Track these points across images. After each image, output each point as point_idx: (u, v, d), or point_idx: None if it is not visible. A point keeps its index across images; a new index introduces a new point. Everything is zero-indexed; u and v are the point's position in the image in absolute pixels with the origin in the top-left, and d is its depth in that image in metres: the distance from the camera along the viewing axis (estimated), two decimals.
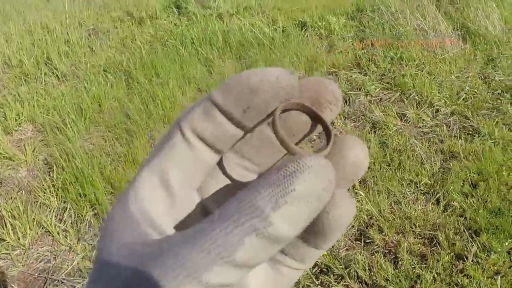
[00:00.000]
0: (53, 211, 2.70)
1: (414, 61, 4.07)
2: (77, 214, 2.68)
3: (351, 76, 3.95)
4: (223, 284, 0.20)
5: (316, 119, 0.26)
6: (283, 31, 4.98)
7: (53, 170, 2.99)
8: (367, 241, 2.38)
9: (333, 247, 2.35)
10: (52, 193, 2.83)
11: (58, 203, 2.77)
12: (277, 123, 0.24)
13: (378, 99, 3.62)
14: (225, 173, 0.28)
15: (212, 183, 0.28)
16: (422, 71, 3.93)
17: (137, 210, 0.24)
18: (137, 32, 5.32)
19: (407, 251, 2.28)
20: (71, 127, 3.42)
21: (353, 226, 2.47)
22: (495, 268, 2.22)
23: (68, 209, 2.70)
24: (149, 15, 5.78)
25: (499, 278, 2.16)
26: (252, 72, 0.24)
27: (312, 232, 0.25)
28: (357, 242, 2.40)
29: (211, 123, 0.25)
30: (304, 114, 0.27)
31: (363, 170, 0.26)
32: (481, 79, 3.94)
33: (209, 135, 0.25)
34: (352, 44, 4.56)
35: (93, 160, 3.03)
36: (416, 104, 3.51)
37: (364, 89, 3.66)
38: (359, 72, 4.02)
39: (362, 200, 2.60)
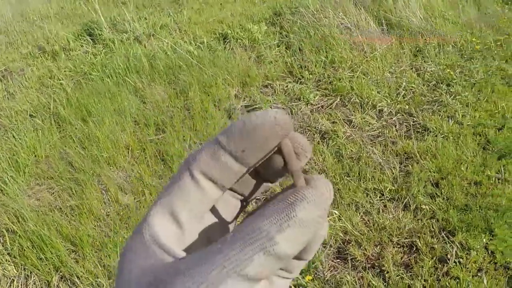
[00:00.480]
0: (15, 282, 2.69)
1: (346, 62, 4.50)
2: (42, 281, 2.69)
3: (287, 86, 4.29)
4: None
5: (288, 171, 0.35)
6: (207, 47, 5.20)
7: (5, 237, 2.96)
8: (349, 258, 2.64)
9: (316, 269, 2.59)
10: (9, 261, 2.81)
11: (18, 272, 2.76)
12: (291, 157, 0.34)
13: (319, 107, 3.96)
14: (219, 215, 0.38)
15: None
16: (357, 72, 4.36)
17: (151, 239, 0.32)
18: (54, 67, 5.27)
19: (391, 263, 2.61)
20: (11, 185, 3.37)
21: (331, 246, 2.72)
22: (477, 265, 2.60)
23: (31, 277, 2.71)
24: (62, 47, 5.76)
25: (483, 275, 2.57)
26: (253, 115, 0.33)
27: None
28: (339, 260, 2.66)
29: (217, 163, 0.33)
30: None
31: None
32: (414, 71, 4.53)
33: (216, 174, 0.34)
34: (280, 52, 4.94)
35: (46, 219, 3.03)
36: (359, 108, 3.92)
37: (303, 98, 3.99)
38: (294, 81, 4.36)
39: (334, 216, 2.90)
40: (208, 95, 4.30)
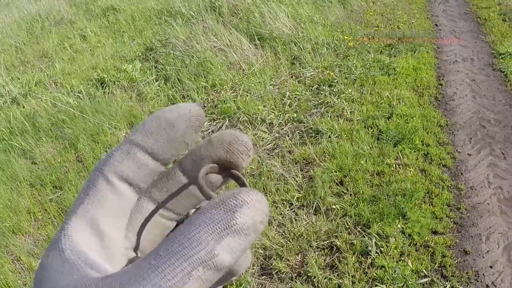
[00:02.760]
0: None
1: (227, 83, 4.73)
2: None
3: None
4: None
5: (229, 174, 0.37)
6: (87, 95, 5.21)
7: None
8: (273, 272, 2.79)
9: None
10: None
11: None
12: (202, 183, 0.34)
13: (210, 132, 4.14)
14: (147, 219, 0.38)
15: (137, 217, 0.37)
16: (239, 90, 4.60)
17: (73, 254, 0.30)
18: None
19: (316, 267, 2.79)
20: None
21: (253, 264, 2.85)
22: (398, 250, 2.86)
23: None
24: None
25: (406, 258, 2.83)
26: (167, 109, 0.35)
27: None
28: (265, 277, 2.80)
29: (132, 162, 0.34)
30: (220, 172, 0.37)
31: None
32: (295, 79, 4.88)
33: (131, 173, 0.34)
34: (159, 86, 5.09)
35: None
36: (249, 125, 4.13)
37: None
38: None
39: None
40: (98, 143, 4.34)
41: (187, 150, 0.38)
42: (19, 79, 6.05)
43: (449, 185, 3.43)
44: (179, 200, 0.38)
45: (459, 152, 3.84)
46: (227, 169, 0.37)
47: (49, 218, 3.58)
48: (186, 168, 0.38)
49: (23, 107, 5.29)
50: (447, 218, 3.14)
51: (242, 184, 0.37)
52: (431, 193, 3.34)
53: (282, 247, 2.92)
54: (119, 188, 0.34)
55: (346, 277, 2.69)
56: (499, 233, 3.02)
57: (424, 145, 3.84)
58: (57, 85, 5.78)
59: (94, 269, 0.30)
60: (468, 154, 3.81)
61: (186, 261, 0.26)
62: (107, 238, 0.33)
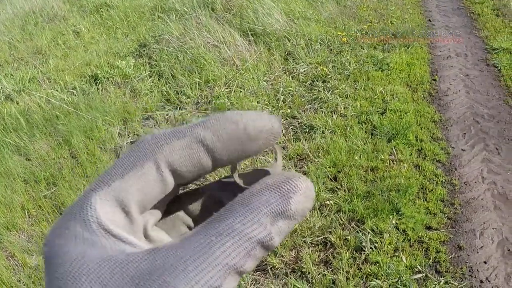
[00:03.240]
0: None
1: (221, 79, 4.72)
2: None
3: (167, 115, 4.43)
4: None
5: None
6: (81, 92, 5.20)
7: None
8: (268, 268, 2.77)
9: (239, 287, 2.72)
10: None
11: None
12: (236, 180, 0.34)
13: None
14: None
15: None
16: (233, 86, 4.59)
17: (100, 227, 0.28)
18: None
19: (310, 263, 2.78)
20: None
21: None
22: (393, 246, 2.86)
23: None
24: None
25: (400, 253, 2.83)
26: (249, 118, 0.32)
27: None
28: (259, 273, 2.79)
29: (191, 160, 0.31)
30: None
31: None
32: (288, 75, 4.86)
33: (184, 170, 0.31)
34: (153, 82, 5.07)
35: None
36: None
37: (186, 123, 4.13)
38: (173, 108, 4.51)
39: None
40: (92, 139, 4.33)
41: None
42: (12, 75, 6.03)
43: (443, 181, 3.43)
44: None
45: (453, 147, 3.83)
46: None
47: (43, 215, 3.57)
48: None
49: (17, 103, 5.28)
50: (441, 213, 3.14)
51: (277, 158, 0.37)
52: (425, 189, 3.34)
53: None
54: (166, 179, 0.31)
55: (340, 272, 2.68)
56: (493, 229, 3.02)
57: (418, 141, 3.84)
58: (50, 81, 5.76)
59: (127, 243, 0.29)
60: (462, 150, 3.81)
61: (248, 241, 0.27)
62: (135, 222, 0.31)
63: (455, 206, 3.21)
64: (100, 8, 8.31)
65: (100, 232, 0.28)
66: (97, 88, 5.27)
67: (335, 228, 2.98)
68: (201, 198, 0.38)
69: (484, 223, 3.07)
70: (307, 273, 2.71)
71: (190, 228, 0.38)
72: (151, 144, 0.31)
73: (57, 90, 5.34)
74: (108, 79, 5.36)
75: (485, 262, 2.80)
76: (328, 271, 2.72)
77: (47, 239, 0.29)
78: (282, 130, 0.35)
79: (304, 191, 0.28)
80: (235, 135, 0.31)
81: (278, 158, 0.37)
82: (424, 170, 3.51)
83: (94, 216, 0.29)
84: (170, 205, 0.37)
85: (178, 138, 0.31)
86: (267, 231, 0.27)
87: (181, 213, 0.38)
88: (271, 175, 0.30)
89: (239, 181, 0.35)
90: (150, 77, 5.28)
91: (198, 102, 4.54)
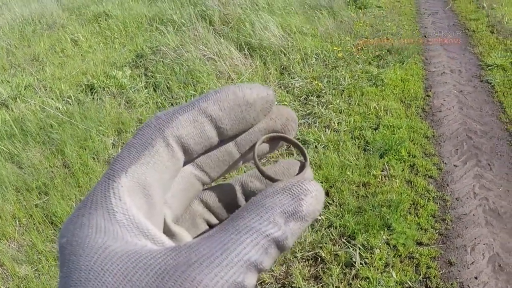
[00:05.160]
0: None
1: None
2: None
3: None
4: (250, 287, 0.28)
5: (291, 143, 0.38)
6: (76, 101, 5.21)
7: None
8: (257, 283, 2.77)
9: None
10: None
11: None
12: (256, 160, 0.36)
13: None
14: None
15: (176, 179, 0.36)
16: None
17: (126, 218, 0.29)
18: None
19: (300, 278, 2.78)
20: None
21: None
22: (383, 262, 2.87)
23: None
24: None
25: (391, 269, 2.84)
26: (245, 87, 0.33)
27: None
28: None
29: (197, 131, 0.33)
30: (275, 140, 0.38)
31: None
32: (283, 89, 4.89)
33: (192, 142, 0.33)
34: (148, 93, 5.09)
35: None
36: None
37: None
38: None
39: None
40: (85, 149, 4.32)
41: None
42: (9, 82, 6.04)
43: (435, 196, 3.45)
44: (219, 166, 0.38)
45: (445, 163, 3.85)
46: (274, 139, 0.38)
47: (33, 224, 3.55)
48: (237, 138, 0.37)
49: (12, 110, 5.28)
50: (432, 229, 3.15)
51: (303, 153, 0.38)
52: (417, 204, 3.35)
53: None
54: (177, 154, 0.33)
55: None
56: (484, 244, 3.03)
57: (411, 156, 3.86)
58: (46, 89, 5.77)
59: (149, 239, 0.29)
60: (454, 165, 3.82)
61: (265, 238, 0.28)
62: (155, 205, 0.32)
63: (446, 221, 3.22)
64: (99, 17, 8.35)
65: (123, 223, 0.28)
66: (93, 98, 5.29)
67: (325, 243, 2.99)
68: (221, 193, 0.40)
69: (475, 238, 3.08)
70: None
71: (209, 225, 0.39)
72: (157, 122, 0.32)
73: (52, 99, 5.34)
74: (104, 89, 5.38)
75: (476, 278, 2.81)
76: (318, 287, 2.73)
77: (65, 229, 0.29)
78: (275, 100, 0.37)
79: (315, 194, 0.30)
80: (235, 103, 0.33)
81: (306, 158, 0.38)
82: (416, 185, 3.52)
83: (119, 205, 0.29)
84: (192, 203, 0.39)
85: (183, 113, 0.32)
86: (282, 231, 0.28)
87: (201, 209, 0.39)
88: (282, 181, 0.31)
89: (259, 163, 0.36)
90: (146, 88, 5.30)
91: None
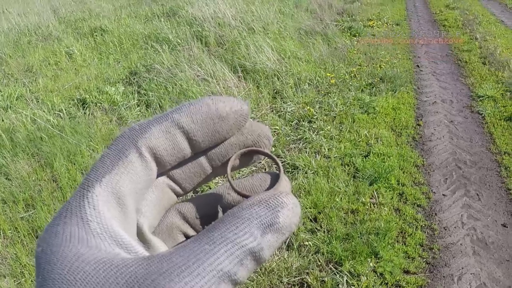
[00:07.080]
0: None
1: None
2: None
3: None
4: None
5: (265, 155, 0.39)
6: (67, 114, 5.22)
7: None
8: None
9: None
10: None
11: None
12: (229, 177, 0.36)
13: None
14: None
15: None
16: None
17: (100, 227, 0.29)
18: None
19: None
20: None
21: None
22: None
23: None
24: None
25: None
26: (219, 100, 0.34)
27: None
28: None
29: (169, 143, 0.33)
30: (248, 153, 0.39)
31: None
32: (275, 113, 4.93)
33: (164, 153, 0.33)
34: (140, 111, 5.11)
35: None
36: None
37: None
38: None
39: None
40: (74, 164, 4.31)
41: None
42: (1, 91, 6.03)
43: (423, 225, 3.47)
44: (191, 177, 0.38)
45: (434, 192, 3.88)
46: (248, 154, 0.39)
47: (18, 237, 3.52)
48: (210, 152, 0.37)
49: (2, 120, 5.26)
50: (419, 258, 3.17)
51: (278, 167, 0.38)
52: (405, 233, 3.37)
53: (253, 281, 2.92)
54: (150, 164, 0.33)
55: None
56: (471, 274, 3.04)
57: (400, 185, 3.88)
58: (38, 101, 5.77)
59: (123, 248, 0.29)
60: (443, 195, 3.86)
61: (240, 249, 0.28)
62: (129, 215, 0.32)
63: (434, 250, 3.24)
64: (95, 32, 8.40)
65: (97, 232, 0.28)
66: (84, 113, 5.29)
67: (312, 269, 3.00)
68: (198, 205, 0.39)
69: (462, 268, 3.10)
70: None
71: (186, 236, 0.39)
72: (131, 133, 0.33)
73: (43, 111, 5.34)
74: (96, 104, 5.39)
75: None
76: None
77: (41, 238, 0.29)
78: (250, 114, 0.39)
79: (291, 207, 0.30)
80: (208, 116, 0.33)
81: (279, 170, 0.38)
82: (404, 214, 3.55)
83: (93, 215, 0.29)
84: (166, 214, 0.39)
85: (156, 125, 0.33)
86: (258, 242, 0.28)
87: (178, 221, 0.39)
88: (258, 194, 0.32)
89: (232, 181, 0.36)
90: (138, 105, 5.32)
91: None
